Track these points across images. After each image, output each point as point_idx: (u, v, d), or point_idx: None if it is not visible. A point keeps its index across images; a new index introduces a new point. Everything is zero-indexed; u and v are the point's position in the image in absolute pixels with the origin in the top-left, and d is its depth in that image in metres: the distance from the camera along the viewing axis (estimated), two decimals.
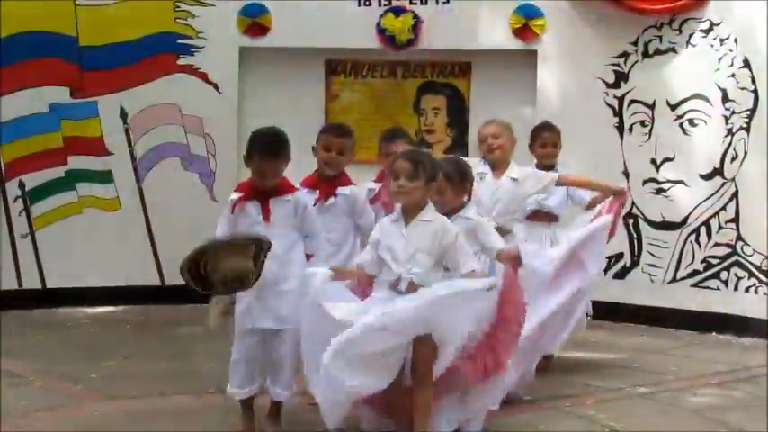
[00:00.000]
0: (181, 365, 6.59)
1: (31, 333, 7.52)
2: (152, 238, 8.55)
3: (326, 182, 5.33)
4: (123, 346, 7.08)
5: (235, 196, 4.82)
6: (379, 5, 8.60)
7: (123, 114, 8.58)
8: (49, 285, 8.44)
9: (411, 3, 8.60)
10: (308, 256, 4.88)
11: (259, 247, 4.57)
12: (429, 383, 4.40)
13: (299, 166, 5.87)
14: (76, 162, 8.45)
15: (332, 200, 5.30)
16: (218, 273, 4.51)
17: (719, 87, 7.96)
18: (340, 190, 5.34)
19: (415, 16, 8.51)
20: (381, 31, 8.56)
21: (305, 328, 4.50)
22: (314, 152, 5.39)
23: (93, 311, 8.27)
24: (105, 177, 8.52)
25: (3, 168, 8.20)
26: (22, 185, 8.32)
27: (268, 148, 4.80)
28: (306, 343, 4.51)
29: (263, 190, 4.75)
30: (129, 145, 8.63)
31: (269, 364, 4.86)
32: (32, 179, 8.39)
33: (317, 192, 5.31)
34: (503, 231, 5.48)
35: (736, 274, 7.94)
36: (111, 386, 6.03)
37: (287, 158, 4.83)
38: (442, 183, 4.75)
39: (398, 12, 8.54)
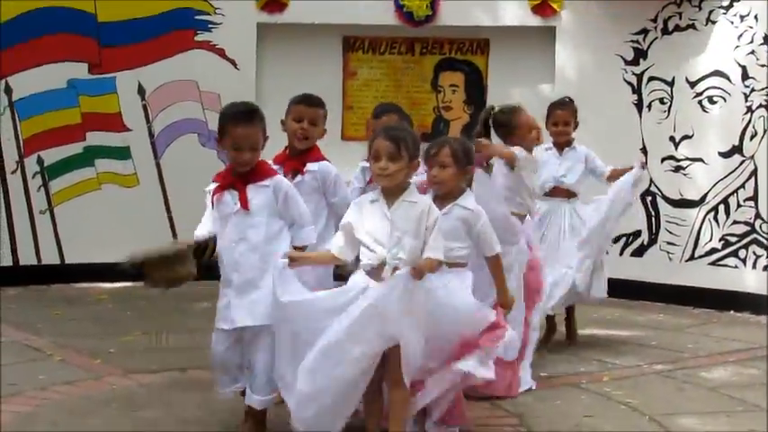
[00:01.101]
0: (199, 340, 6.51)
1: (49, 308, 7.57)
2: (170, 214, 8.59)
3: (296, 157, 5.01)
4: (141, 321, 7.15)
5: (211, 187, 4.46)
6: None
7: (141, 90, 8.65)
8: (67, 261, 8.56)
9: None
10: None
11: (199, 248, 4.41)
12: (403, 384, 4.15)
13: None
14: (95, 138, 8.54)
15: (299, 177, 4.94)
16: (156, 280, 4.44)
17: (739, 64, 7.95)
18: (308, 166, 5.01)
19: None
20: (399, 7, 8.58)
21: (277, 329, 4.25)
22: (283, 126, 5.08)
23: (111, 287, 8.33)
24: (123, 153, 8.61)
25: (21, 144, 8.27)
26: (40, 161, 8.40)
27: (241, 112, 4.46)
28: (280, 345, 4.25)
29: (240, 175, 4.37)
30: (147, 121, 8.71)
31: (246, 365, 4.56)
32: (51, 155, 8.46)
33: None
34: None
35: (754, 252, 7.94)
36: (129, 360, 6.02)
37: (262, 129, 4.45)
38: (447, 158, 4.53)
39: None
